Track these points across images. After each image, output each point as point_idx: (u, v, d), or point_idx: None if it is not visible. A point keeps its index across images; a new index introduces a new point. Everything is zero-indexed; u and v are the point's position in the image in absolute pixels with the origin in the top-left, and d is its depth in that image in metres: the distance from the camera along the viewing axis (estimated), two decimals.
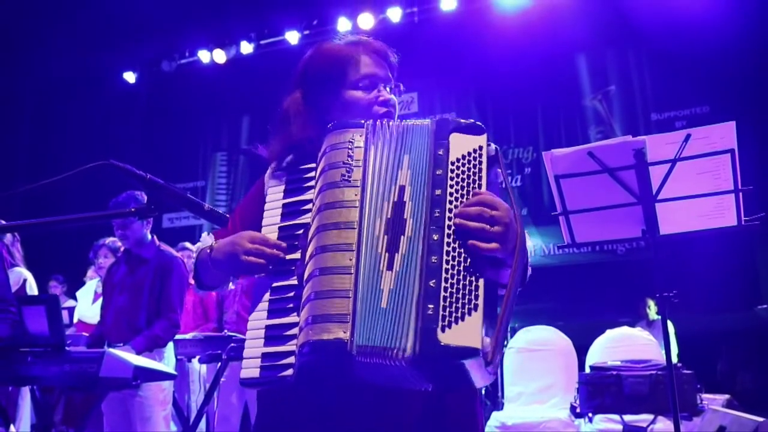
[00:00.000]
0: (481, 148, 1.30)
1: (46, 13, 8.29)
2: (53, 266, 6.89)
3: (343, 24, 8.55)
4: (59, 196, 5.74)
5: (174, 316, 3.78)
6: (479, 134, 1.32)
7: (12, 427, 3.53)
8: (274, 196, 1.37)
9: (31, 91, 9.97)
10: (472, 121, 1.34)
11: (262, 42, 9.39)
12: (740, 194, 2.59)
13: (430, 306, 1.15)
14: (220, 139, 10.40)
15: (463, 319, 1.14)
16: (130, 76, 10.18)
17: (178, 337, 4.11)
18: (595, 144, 2.70)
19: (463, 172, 1.28)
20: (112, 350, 3.13)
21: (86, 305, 5.72)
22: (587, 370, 4.67)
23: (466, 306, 1.16)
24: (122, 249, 4.12)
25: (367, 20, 8.32)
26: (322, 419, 1.30)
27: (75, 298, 6.23)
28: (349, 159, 1.31)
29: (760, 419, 3.17)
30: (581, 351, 4.99)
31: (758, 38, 6.96)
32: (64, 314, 4.87)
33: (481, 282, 1.18)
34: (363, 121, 1.37)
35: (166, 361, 3.76)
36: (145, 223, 3.87)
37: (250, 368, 1.24)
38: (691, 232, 2.71)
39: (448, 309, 1.15)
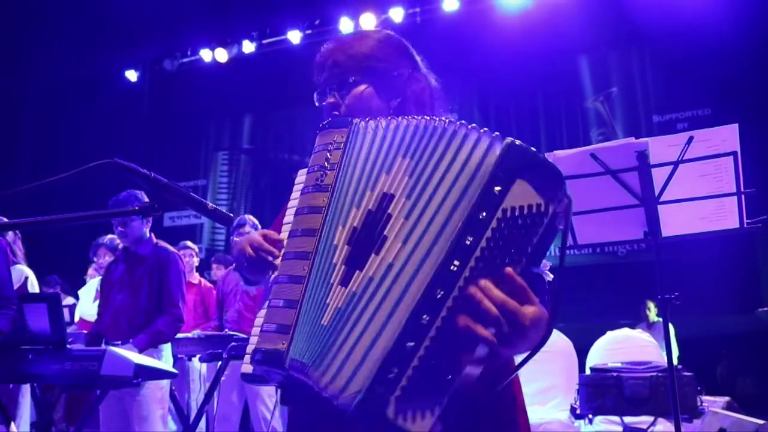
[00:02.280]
0: (546, 208, 1.00)
1: (48, 13, 8.30)
2: (54, 264, 6.90)
3: (345, 24, 8.55)
4: (61, 193, 5.75)
5: (176, 310, 3.76)
6: (551, 194, 1.00)
7: (12, 425, 3.53)
8: (294, 194, 1.37)
9: (33, 90, 9.99)
10: (556, 172, 1.03)
11: (264, 41, 9.41)
12: (742, 197, 2.59)
13: (395, 370, 0.97)
14: (222, 138, 10.42)
15: (419, 403, 0.96)
16: (132, 75, 10.20)
17: (178, 335, 4.10)
18: (598, 146, 2.70)
19: (511, 231, 0.99)
20: (113, 348, 3.13)
21: (88, 303, 5.72)
22: (587, 371, 4.66)
23: (432, 399, 0.97)
24: (121, 247, 4.11)
25: (369, 20, 8.33)
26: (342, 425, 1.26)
27: (75, 296, 6.24)
28: (326, 162, 1.22)
29: (761, 422, 3.18)
30: (581, 352, 4.98)
31: (760, 40, 6.96)
32: (65, 312, 4.87)
33: (459, 374, 0.97)
34: (351, 120, 1.24)
35: (165, 360, 3.75)
36: (146, 221, 3.87)
37: (247, 363, 1.24)
38: (693, 235, 2.71)
39: (411, 389, 0.97)
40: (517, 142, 1.02)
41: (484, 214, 0.99)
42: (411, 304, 1.00)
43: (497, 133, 1.04)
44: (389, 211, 1.08)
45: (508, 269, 0.97)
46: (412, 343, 0.97)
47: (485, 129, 1.05)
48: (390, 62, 1.43)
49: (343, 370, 1.02)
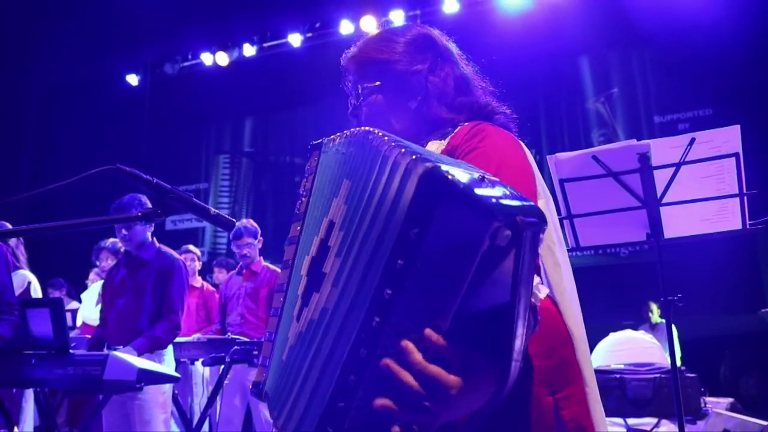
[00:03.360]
0: (481, 242, 0.77)
1: (48, 17, 8.31)
2: (56, 268, 6.91)
3: (345, 27, 8.57)
4: (63, 198, 5.75)
5: (175, 317, 3.78)
6: (487, 220, 0.76)
7: (15, 429, 3.54)
8: None
9: (35, 93, 10.01)
10: (487, 202, 0.77)
11: (264, 45, 9.43)
12: (745, 198, 2.59)
13: (341, 404, 0.86)
14: (223, 142, 10.43)
15: None
16: (133, 79, 10.23)
17: (181, 339, 4.11)
18: (600, 148, 2.70)
19: (439, 270, 0.80)
20: (115, 353, 3.13)
21: (90, 307, 5.73)
22: None
23: None
24: (123, 251, 4.12)
25: (369, 23, 8.34)
26: None
27: (79, 300, 6.25)
28: (303, 189, 1.18)
29: (765, 423, 3.17)
30: None
31: (761, 40, 6.96)
32: (67, 316, 4.87)
33: None
34: (324, 141, 1.18)
35: (167, 364, 3.76)
36: (148, 225, 3.88)
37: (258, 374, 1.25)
38: (695, 236, 2.71)
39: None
40: (434, 166, 0.81)
41: (401, 262, 0.81)
42: (340, 359, 0.87)
43: (417, 155, 0.84)
44: (329, 242, 0.99)
45: (427, 330, 0.80)
46: (342, 404, 0.85)
47: (405, 149, 0.87)
48: (408, 60, 1.36)
49: (294, 413, 0.94)
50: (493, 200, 0.77)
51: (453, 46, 1.45)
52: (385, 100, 1.35)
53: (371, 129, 1.00)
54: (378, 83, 1.35)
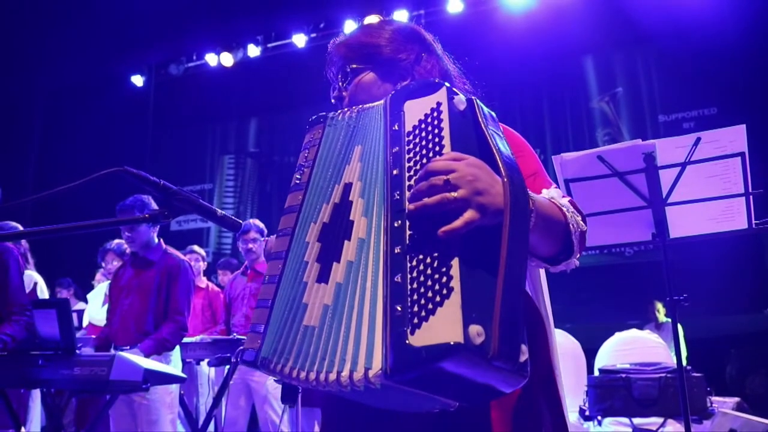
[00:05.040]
0: (439, 104, 1.06)
1: (54, 19, 8.34)
2: (62, 269, 6.93)
3: (350, 27, 8.57)
4: (69, 199, 5.76)
5: (181, 318, 3.80)
6: (435, 91, 1.08)
7: (23, 430, 3.55)
8: None
9: (40, 95, 10.05)
10: (428, 79, 1.14)
11: (269, 45, 9.44)
12: (750, 197, 2.59)
13: (398, 307, 0.93)
14: (228, 142, 10.44)
15: (434, 312, 0.90)
16: (138, 80, 10.25)
17: (186, 340, 4.12)
18: (605, 148, 2.70)
19: (421, 140, 1.05)
20: (122, 353, 3.14)
21: (96, 308, 5.75)
22: (596, 372, 4.65)
23: (438, 295, 0.91)
24: (129, 252, 4.13)
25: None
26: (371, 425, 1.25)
27: (85, 301, 6.27)
28: (304, 160, 1.24)
29: None
30: (590, 354, 4.97)
31: (766, 39, 6.93)
32: (73, 317, 4.89)
33: (455, 262, 0.92)
34: (328, 114, 1.25)
35: (174, 365, 3.77)
36: (153, 227, 3.89)
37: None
38: (701, 236, 2.71)
39: (418, 303, 0.91)
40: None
41: (396, 148, 1.07)
42: (384, 249, 1.00)
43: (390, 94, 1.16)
44: (350, 198, 1.10)
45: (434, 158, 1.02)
46: (398, 276, 0.96)
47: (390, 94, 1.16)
48: (395, 47, 1.42)
49: (361, 354, 0.97)
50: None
51: (438, 45, 1.50)
52: (375, 79, 1.40)
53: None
54: (368, 65, 1.40)
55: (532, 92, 8.25)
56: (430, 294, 0.91)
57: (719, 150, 2.54)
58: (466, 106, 1.06)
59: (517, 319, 0.91)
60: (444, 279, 0.91)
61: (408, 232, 0.98)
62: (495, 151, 1.01)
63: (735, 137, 2.54)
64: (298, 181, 1.22)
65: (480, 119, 1.06)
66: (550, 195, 1.22)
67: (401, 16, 8.36)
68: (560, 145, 8.11)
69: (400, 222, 0.99)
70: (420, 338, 0.89)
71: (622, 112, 8.17)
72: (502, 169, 0.99)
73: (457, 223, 0.94)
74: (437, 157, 1.01)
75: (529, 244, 1.01)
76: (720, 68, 7.24)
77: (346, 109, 1.23)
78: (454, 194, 0.95)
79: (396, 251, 0.98)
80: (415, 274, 0.94)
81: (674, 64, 7.79)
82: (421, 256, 0.95)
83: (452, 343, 0.87)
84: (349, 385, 0.96)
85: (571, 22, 7.71)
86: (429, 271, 0.93)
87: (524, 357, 0.90)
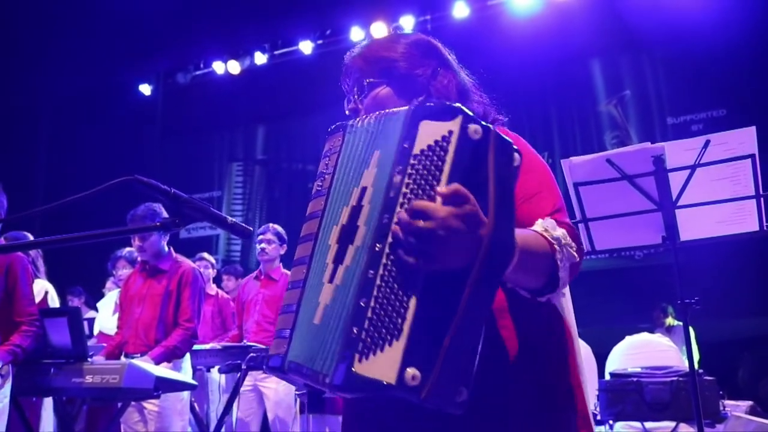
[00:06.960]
0: (450, 134, 1.05)
1: (61, 28, 8.40)
2: (72, 277, 6.96)
3: (356, 34, 8.59)
4: (77, 208, 5.79)
5: (191, 326, 3.81)
6: (450, 119, 1.06)
7: None
8: None
9: (47, 104, 10.11)
10: (449, 103, 1.10)
11: (276, 52, 9.47)
12: (761, 199, 2.57)
13: (355, 329, 1.00)
14: (236, 150, 10.47)
15: (381, 348, 0.99)
16: (145, 89, 10.31)
17: (196, 347, 4.13)
18: (614, 151, 2.70)
19: (423, 167, 1.05)
20: (133, 361, 3.16)
21: (107, 316, 5.76)
22: (607, 377, 4.63)
23: (389, 333, 0.99)
24: (139, 260, 4.15)
25: (380, 29, 8.36)
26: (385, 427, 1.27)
27: (95, 309, 6.29)
28: (325, 168, 1.25)
29: None
30: (600, 357, 4.94)
31: None
32: (84, 325, 4.91)
33: (412, 303, 1.00)
34: (348, 123, 1.27)
35: (184, 372, 3.78)
36: (163, 235, 3.91)
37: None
38: (711, 238, 2.69)
39: (371, 334, 0.99)
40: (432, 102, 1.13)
41: (400, 167, 1.07)
42: (362, 267, 1.05)
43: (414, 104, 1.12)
44: (362, 202, 1.12)
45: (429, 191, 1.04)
46: (363, 300, 1.02)
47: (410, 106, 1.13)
48: (412, 62, 1.42)
49: (332, 360, 1.03)
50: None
51: (453, 58, 1.50)
52: (391, 94, 1.40)
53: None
54: (384, 79, 1.41)
55: (539, 96, 8.23)
56: (383, 331, 0.99)
57: (729, 152, 2.53)
58: (481, 136, 1.05)
59: (465, 362, 1.00)
60: (399, 321, 1.00)
61: (383, 261, 1.03)
62: (491, 193, 1.04)
63: (745, 139, 2.53)
64: (319, 188, 1.23)
65: (491, 152, 1.05)
66: (544, 227, 1.21)
67: (407, 21, 8.37)
68: (568, 149, 8.08)
69: (380, 246, 1.04)
70: (364, 368, 0.99)
71: (630, 115, 8.14)
72: (491, 213, 1.03)
73: (415, 260, 1.00)
74: (431, 192, 1.03)
75: (496, 290, 1.09)
76: (728, 69, 7.20)
77: (364, 116, 1.24)
78: (421, 245, 1.00)
79: (369, 274, 1.03)
80: (375, 304, 1.01)
81: (682, 66, 7.76)
82: (386, 289, 1.01)
83: (385, 382, 0.98)
84: (321, 384, 1.05)
85: (578, 25, 7.70)
86: (389, 308, 1.00)
87: (461, 398, 0.99)
